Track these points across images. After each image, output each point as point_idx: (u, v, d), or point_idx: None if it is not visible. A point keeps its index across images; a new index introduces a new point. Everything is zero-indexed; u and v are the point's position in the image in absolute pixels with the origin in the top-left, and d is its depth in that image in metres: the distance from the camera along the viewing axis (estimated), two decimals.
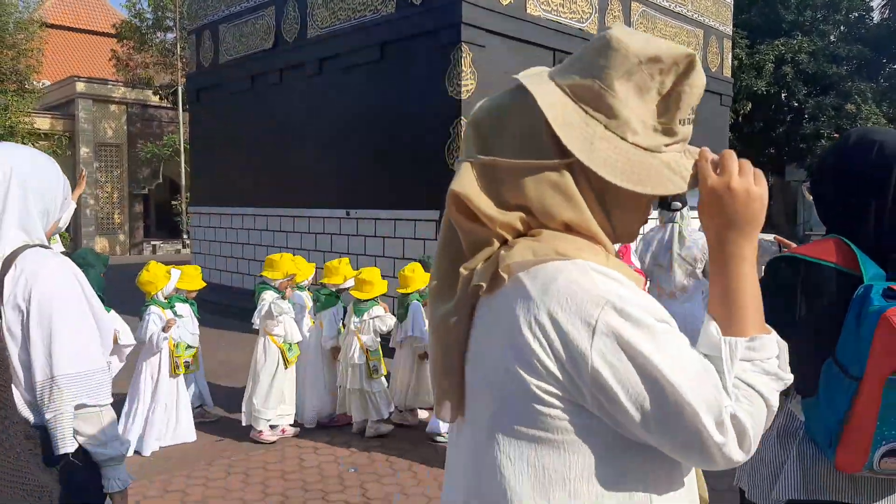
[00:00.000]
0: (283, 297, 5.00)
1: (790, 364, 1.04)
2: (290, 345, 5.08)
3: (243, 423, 5.11)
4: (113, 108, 24.06)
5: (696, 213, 1.10)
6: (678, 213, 4.92)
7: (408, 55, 7.91)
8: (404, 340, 5.37)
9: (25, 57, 18.86)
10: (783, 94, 20.36)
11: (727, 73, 11.66)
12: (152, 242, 24.91)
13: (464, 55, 7.31)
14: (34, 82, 20.66)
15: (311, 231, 9.33)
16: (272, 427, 5.09)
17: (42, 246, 1.78)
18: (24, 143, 18.67)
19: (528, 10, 7.99)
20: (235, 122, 10.65)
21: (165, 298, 5.01)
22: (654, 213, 5.12)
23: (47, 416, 1.68)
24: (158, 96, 22.85)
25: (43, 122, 22.31)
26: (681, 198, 4.98)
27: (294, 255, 9.62)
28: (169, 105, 23.11)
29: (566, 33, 8.46)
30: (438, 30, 7.48)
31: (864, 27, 20.38)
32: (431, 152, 7.63)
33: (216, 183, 11.25)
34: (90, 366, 1.74)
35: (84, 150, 22.95)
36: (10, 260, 1.69)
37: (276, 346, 5.03)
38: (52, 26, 27.09)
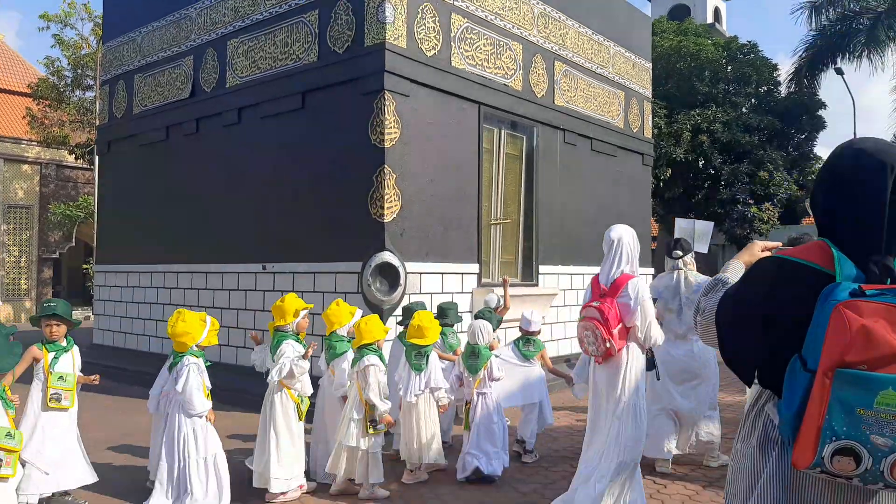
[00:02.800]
0: (304, 354, 4.75)
1: (764, 363, 1.23)
2: (303, 398, 4.87)
3: (255, 485, 4.75)
4: (25, 167, 22.99)
5: None
6: (681, 260, 5.49)
7: (330, 104, 7.68)
8: (423, 392, 5.18)
9: None
10: (701, 162, 21.21)
11: (647, 133, 11.95)
12: None
13: (387, 103, 7.13)
14: None
15: (225, 287, 8.77)
16: (287, 488, 4.73)
17: None
18: None
19: (454, 63, 7.93)
20: (147, 175, 10.11)
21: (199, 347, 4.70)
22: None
23: None
24: (74, 156, 21.94)
25: None
26: (683, 247, 5.55)
27: (206, 313, 9.05)
28: (86, 165, 22.20)
29: (492, 88, 8.44)
30: (361, 78, 7.30)
31: (773, 100, 21.64)
32: (354, 202, 7.33)
33: (124, 239, 10.58)
34: None
35: None
36: None
37: (293, 401, 4.79)
38: None
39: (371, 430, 4.64)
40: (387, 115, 7.11)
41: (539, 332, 6.08)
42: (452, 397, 5.32)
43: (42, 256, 23.30)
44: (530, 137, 9.31)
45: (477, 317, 5.69)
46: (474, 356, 5.18)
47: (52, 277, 23.94)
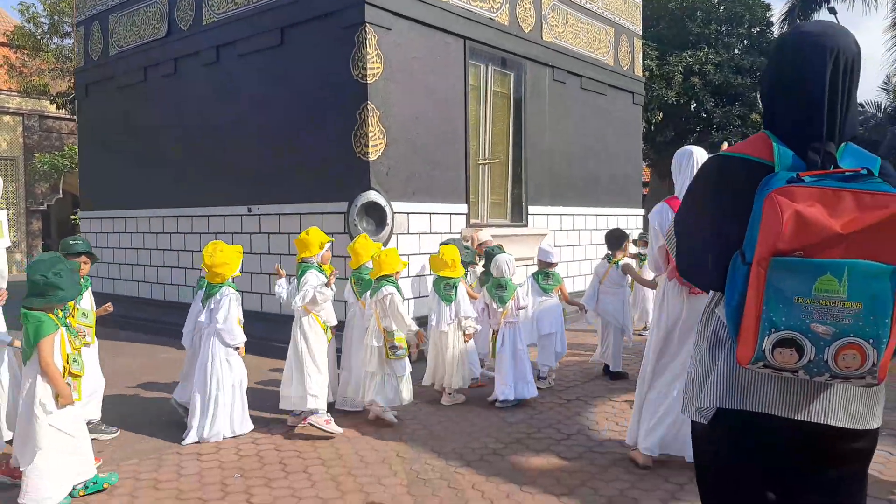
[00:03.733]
0: (327, 282, 4.84)
1: (715, 265, 1.41)
2: (328, 328, 5.00)
3: (282, 407, 4.90)
4: (7, 119, 22.55)
5: None
6: None
7: (310, 39, 7.47)
8: (452, 322, 5.49)
9: None
10: (692, 105, 20.95)
11: (638, 71, 11.74)
12: None
13: (369, 37, 6.93)
14: None
15: (211, 231, 8.68)
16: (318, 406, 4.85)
17: None
18: None
19: None
20: (127, 117, 9.89)
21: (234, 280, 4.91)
22: None
23: None
24: (56, 105, 21.50)
25: None
26: None
27: (192, 258, 8.99)
28: (68, 115, 21.76)
29: (477, 22, 8.21)
30: (341, 10, 7.07)
31: (765, 41, 21.27)
32: (337, 140, 7.19)
33: (107, 185, 10.41)
34: None
35: None
36: None
37: (321, 325, 4.90)
38: None
39: (391, 356, 4.84)
40: (368, 50, 6.92)
41: (557, 265, 6.31)
42: (479, 327, 5.61)
43: (30, 209, 23.06)
44: (518, 74, 9.12)
45: (488, 254, 5.99)
46: (501, 288, 5.45)
47: (40, 230, 23.74)
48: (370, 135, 6.98)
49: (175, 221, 9.21)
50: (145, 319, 9.17)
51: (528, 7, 9.11)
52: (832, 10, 20.49)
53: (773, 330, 1.39)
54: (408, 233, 7.40)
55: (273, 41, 7.74)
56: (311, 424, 4.69)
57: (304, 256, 5.00)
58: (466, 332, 5.53)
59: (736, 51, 21.10)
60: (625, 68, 11.28)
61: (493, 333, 5.51)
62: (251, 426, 4.82)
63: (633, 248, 7.99)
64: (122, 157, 10.02)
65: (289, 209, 7.75)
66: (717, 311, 1.68)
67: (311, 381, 4.74)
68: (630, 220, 11.45)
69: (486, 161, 8.78)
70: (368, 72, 6.93)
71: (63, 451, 3.48)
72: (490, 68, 8.73)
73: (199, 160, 8.76)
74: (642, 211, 11.81)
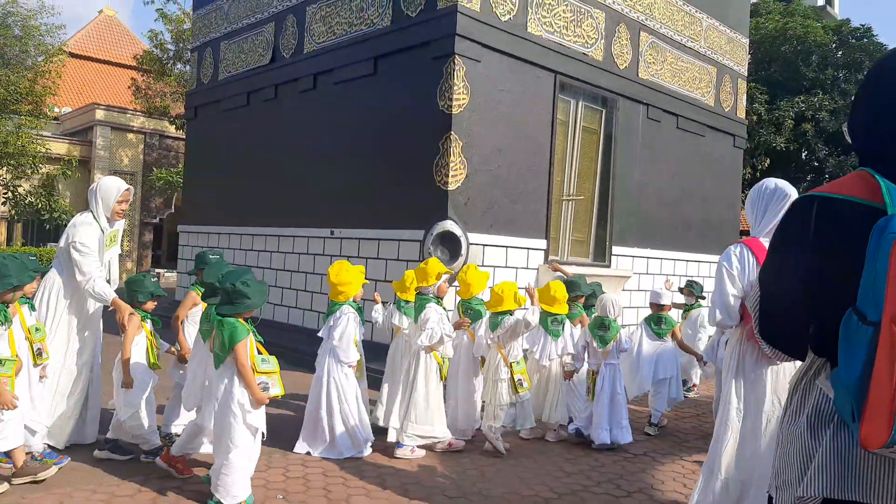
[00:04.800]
0: (457, 323, 4.97)
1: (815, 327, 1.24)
2: (445, 359, 5.07)
3: (390, 439, 4.92)
4: (131, 136, 24.27)
5: None
6: None
7: (401, 69, 7.60)
8: (558, 357, 5.52)
9: (42, 77, 18.98)
10: (803, 153, 19.91)
11: (741, 114, 11.23)
12: (157, 271, 24.71)
13: (457, 68, 6.96)
14: (55, 108, 20.78)
15: (295, 251, 8.90)
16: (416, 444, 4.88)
17: None
18: (34, 166, 18.75)
19: (530, 29, 7.66)
20: (228, 139, 10.39)
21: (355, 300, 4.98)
22: None
23: None
24: (175, 126, 22.98)
25: (59, 147, 22.49)
26: None
27: (276, 276, 9.24)
28: (184, 135, 23.20)
29: (570, 56, 8.11)
30: (432, 42, 7.16)
31: None
32: (419, 169, 7.23)
33: (205, 201, 10.94)
34: None
35: (98, 177, 22.98)
36: None
37: (437, 362, 4.95)
38: (77, 56, 27.67)
39: (519, 390, 4.95)
40: (456, 81, 6.95)
41: (670, 308, 6.10)
42: (578, 366, 5.48)
43: (143, 221, 24.60)
44: (610, 111, 8.91)
45: (587, 292, 5.98)
46: (604, 328, 5.32)
47: (152, 241, 25.25)
48: (451, 164, 6.97)
49: (263, 240, 9.52)
50: None
51: (625, 43, 8.93)
52: None
53: None
54: (482, 265, 7.29)
55: (367, 70, 7.92)
56: (399, 458, 4.76)
57: (420, 286, 5.00)
58: (566, 369, 5.48)
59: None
60: (726, 110, 10.83)
61: (593, 374, 5.35)
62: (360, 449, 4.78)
63: (679, 298, 7.47)
64: (220, 175, 10.51)
65: (369, 234, 7.83)
66: (818, 382, 1.44)
67: (417, 419, 4.79)
68: None
69: (571, 197, 8.58)
70: (454, 102, 6.95)
71: (251, 453, 3.69)
72: (581, 104, 8.58)
73: (289, 182, 9.04)
74: None
